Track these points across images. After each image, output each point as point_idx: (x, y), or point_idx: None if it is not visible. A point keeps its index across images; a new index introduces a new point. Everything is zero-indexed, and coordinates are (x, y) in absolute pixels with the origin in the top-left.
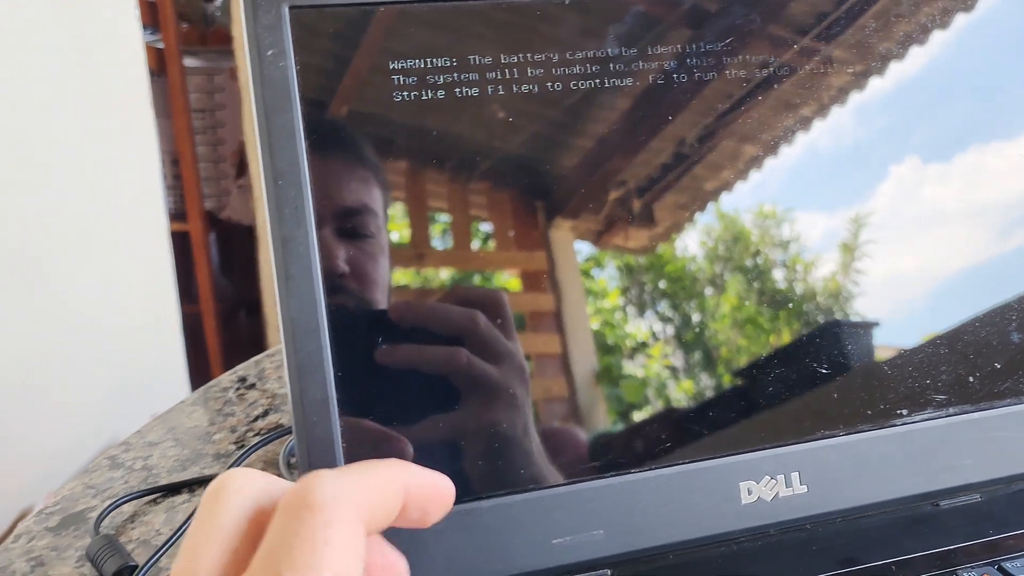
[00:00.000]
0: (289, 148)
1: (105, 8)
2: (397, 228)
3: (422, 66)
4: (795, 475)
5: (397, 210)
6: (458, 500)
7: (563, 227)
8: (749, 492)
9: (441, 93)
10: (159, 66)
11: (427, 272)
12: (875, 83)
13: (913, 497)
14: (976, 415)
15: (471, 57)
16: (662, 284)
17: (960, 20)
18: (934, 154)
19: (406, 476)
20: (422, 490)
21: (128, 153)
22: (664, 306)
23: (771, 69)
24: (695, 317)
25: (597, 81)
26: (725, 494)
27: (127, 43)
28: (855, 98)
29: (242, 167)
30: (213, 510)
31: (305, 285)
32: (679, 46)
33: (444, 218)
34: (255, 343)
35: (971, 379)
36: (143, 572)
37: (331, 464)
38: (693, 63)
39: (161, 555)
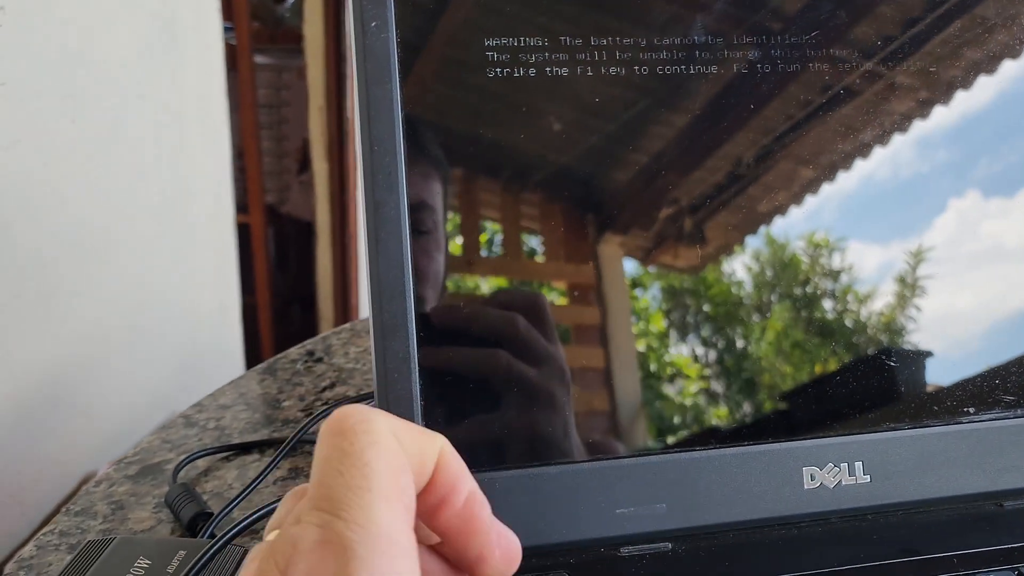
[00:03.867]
0: (387, 117)
1: (191, 2)
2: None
3: (515, 44)
4: (859, 464)
5: (454, 214)
6: (523, 465)
7: (612, 242)
8: (812, 478)
9: (532, 71)
10: (230, 61)
11: (475, 279)
12: (939, 112)
13: (977, 495)
14: None
15: (562, 38)
16: (707, 307)
17: None
18: (997, 189)
19: (442, 442)
20: (452, 469)
21: (203, 143)
22: (707, 330)
23: (833, 92)
24: (755, 332)
25: (681, 67)
26: (788, 478)
27: (208, 37)
28: (918, 127)
29: (304, 163)
30: (372, 447)
31: (394, 248)
32: (739, 63)
33: (495, 226)
34: (307, 337)
35: None
36: (217, 520)
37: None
38: (754, 82)
39: (235, 506)
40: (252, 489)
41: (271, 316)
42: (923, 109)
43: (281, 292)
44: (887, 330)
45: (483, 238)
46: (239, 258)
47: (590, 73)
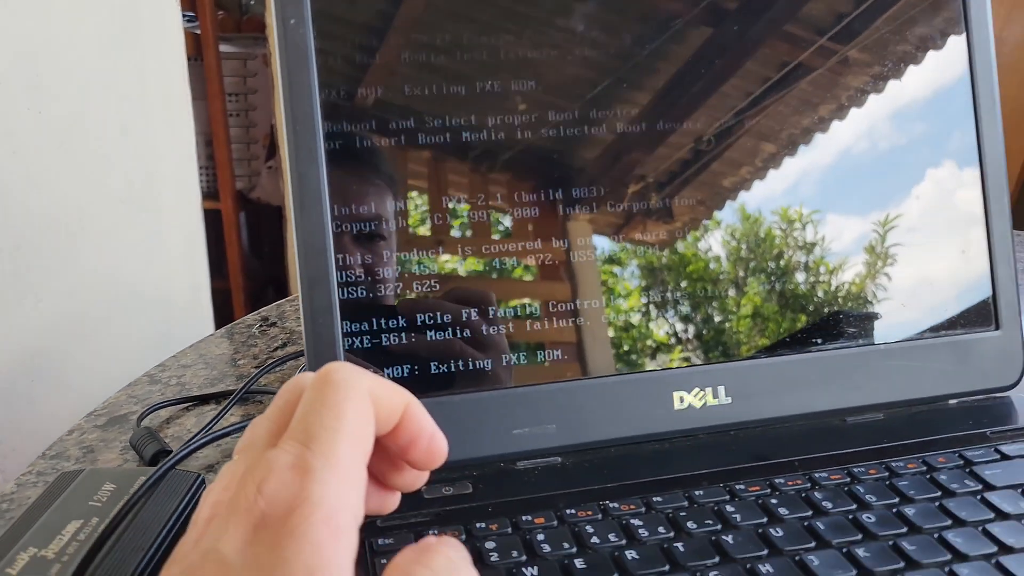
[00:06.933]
0: (305, 100)
1: None
2: (415, 217)
3: (436, 42)
4: (721, 388)
5: (414, 197)
6: (433, 394)
7: (581, 219)
8: (681, 400)
9: (451, 69)
10: (196, 51)
11: (444, 259)
12: (897, 89)
13: (823, 413)
14: (883, 346)
15: (489, 36)
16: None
17: None
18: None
19: (410, 399)
20: (418, 419)
21: (167, 131)
22: (637, 270)
23: (791, 69)
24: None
25: (620, 72)
26: (660, 401)
27: (168, 27)
28: (876, 103)
29: (272, 149)
30: (348, 400)
31: (316, 212)
32: (705, 40)
33: (459, 205)
34: None
35: (880, 315)
36: (178, 456)
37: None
38: (714, 60)
39: (192, 444)
40: (207, 429)
41: (245, 300)
42: (876, 85)
43: (255, 276)
44: (781, 266)
45: (454, 220)
46: (212, 245)
47: (515, 48)
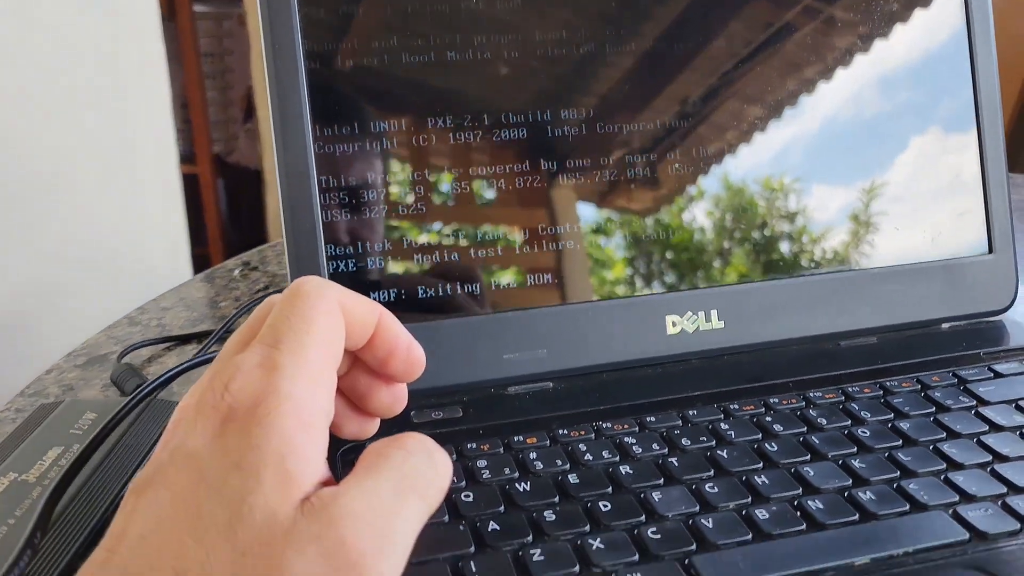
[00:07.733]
0: (285, 20)
1: None
2: (398, 183)
3: None
4: (714, 312)
5: (398, 164)
6: (422, 318)
7: (566, 185)
8: (674, 324)
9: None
10: (169, 11)
11: (431, 180)
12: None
13: (817, 337)
14: (876, 270)
15: None
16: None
17: None
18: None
19: (382, 310)
20: (392, 330)
21: (143, 93)
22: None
23: (775, 31)
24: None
25: (605, 37)
26: (652, 325)
27: None
28: (866, 67)
29: (250, 111)
30: (316, 307)
31: (298, 136)
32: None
33: (445, 126)
34: None
35: (873, 239)
36: (160, 380)
37: None
38: (696, 25)
39: (173, 374)
40: (189, 363)
41: None
42: (864, 45)
43: (234, 241)
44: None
45: (435, 187)
46: (190, 209)
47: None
